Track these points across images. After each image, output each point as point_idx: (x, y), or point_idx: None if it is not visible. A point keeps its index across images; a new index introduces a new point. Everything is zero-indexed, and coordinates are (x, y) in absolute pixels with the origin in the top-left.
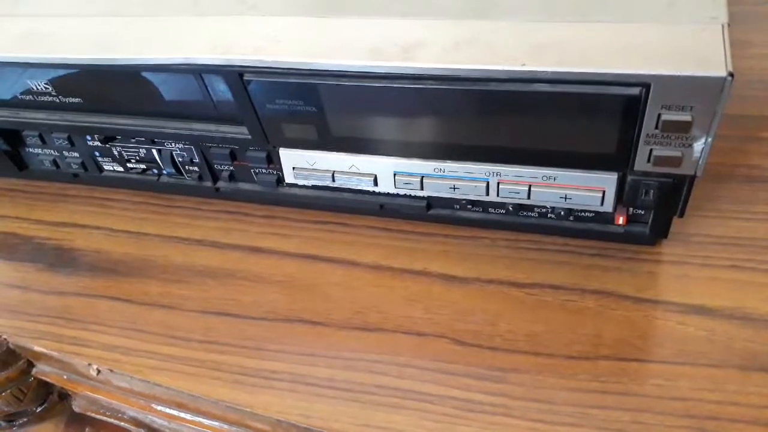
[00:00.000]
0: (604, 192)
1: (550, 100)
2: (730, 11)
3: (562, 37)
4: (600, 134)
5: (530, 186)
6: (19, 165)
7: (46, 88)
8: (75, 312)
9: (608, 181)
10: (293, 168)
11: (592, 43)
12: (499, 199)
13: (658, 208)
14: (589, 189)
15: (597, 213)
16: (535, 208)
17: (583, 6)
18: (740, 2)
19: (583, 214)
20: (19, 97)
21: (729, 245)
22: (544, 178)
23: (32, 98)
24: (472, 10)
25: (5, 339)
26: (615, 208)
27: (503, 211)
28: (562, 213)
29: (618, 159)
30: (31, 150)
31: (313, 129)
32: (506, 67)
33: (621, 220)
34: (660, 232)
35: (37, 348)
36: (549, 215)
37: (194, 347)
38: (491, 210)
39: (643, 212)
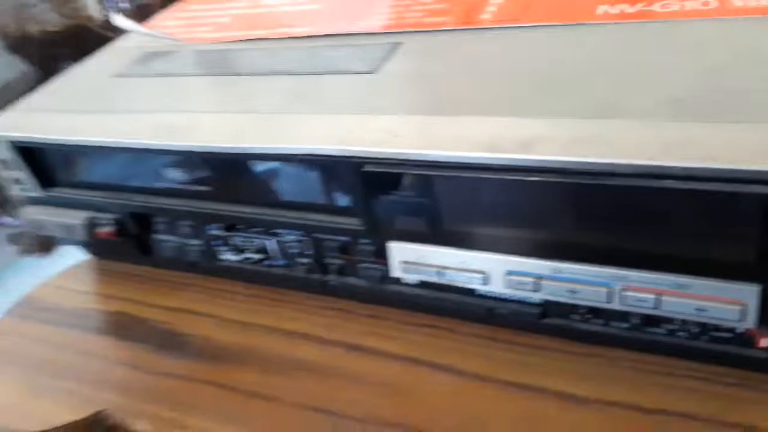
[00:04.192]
0: (743, 306)
1: (681, 199)
2: None
3: (693, 136)
4: (737, 239)
5: (659, 294)
6: (144, 250)
7: (177, 176)
8: (178, 395)
9: (749, 293)
10: (401, 262)
11: (726, 142)
12: (622, 308)
13: None
14: (726, 301)
15: (735, 333)
16: (663, 324)
17: (710, 108)
18: None
19: (718, 334)
20: (154, 185)
21: None
22: (676, 287)
23: (165, 186)
24: (596, 112)
25: (108, 414)
26: (758, 327)
27: (626, 325)
28: (695, 331)
29: (759, 268)
30: (157, 236)
31: (426, 222)
32: (632, 161)
33: (764, 343)
34: None
35: (139, 427)
36: (678, 333)
37: None
38: (613, 323)
39: None
